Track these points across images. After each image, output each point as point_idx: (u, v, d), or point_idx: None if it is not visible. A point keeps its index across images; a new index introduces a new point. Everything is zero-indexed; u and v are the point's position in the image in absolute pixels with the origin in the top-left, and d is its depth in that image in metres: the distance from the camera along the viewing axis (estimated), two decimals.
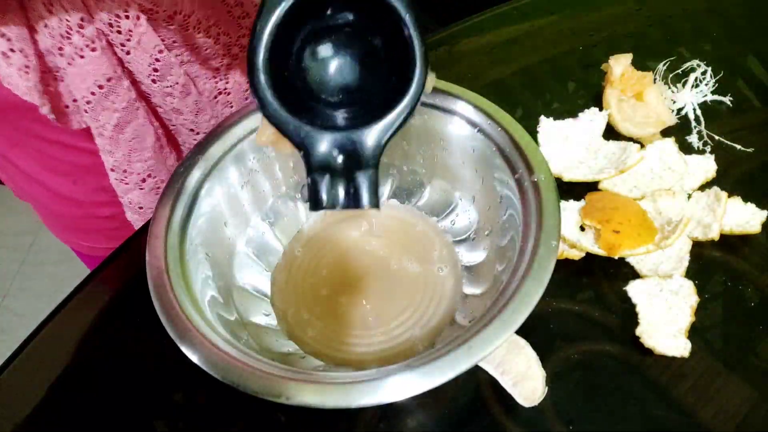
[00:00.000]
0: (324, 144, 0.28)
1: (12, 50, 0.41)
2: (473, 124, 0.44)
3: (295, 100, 0.29)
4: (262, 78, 0.27)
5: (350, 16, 0.28)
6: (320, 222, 0.51)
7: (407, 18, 0.27)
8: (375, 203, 0.29)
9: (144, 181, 0.53)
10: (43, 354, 0.47)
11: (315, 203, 0.29)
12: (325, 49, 0.29)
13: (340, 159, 0.28)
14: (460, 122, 0.45)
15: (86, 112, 0.46)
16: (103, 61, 0.44)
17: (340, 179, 0.29)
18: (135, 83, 0.48)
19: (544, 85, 0.64)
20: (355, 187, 0.29)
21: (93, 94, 0.45)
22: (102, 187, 0.55)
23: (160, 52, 0.47)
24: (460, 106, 0.44)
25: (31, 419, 0.44)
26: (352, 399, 0.31)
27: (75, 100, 0.46)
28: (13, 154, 0.54)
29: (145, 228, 0.42)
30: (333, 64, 0.29)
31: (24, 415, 0.44)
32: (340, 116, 0.29)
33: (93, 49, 0.43)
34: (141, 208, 0.55)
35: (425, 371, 0.31)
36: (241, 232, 0.48)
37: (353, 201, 0.29)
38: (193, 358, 0.33)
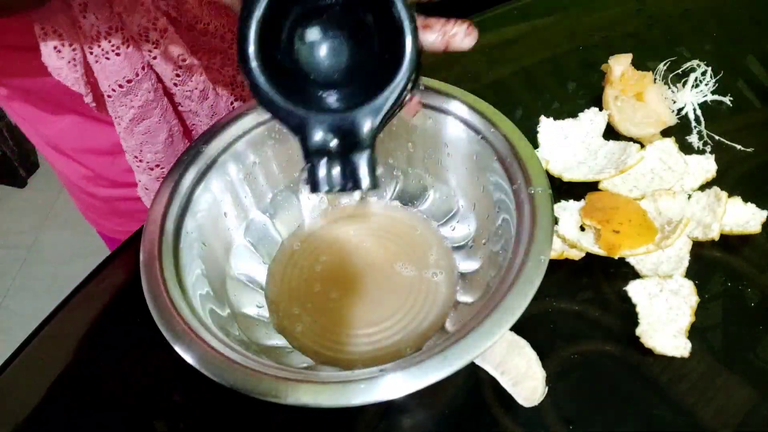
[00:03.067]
0: (319, 127, 0.28)
1: (63, 45, 0.45)
2: (476, 131, 0.44)
3: (289, 85, 0.28)
4: (254, 64, 0.27)
5: None
6: (322, 219, 0.51)
7: None
8: (373, 183, 0.29)
9: (152, 169, 0.58)
10: (43, 354, 0.47)
11: (313, 186, 0.29)
12: (315, 30, 0.29)
13: (335, 142, 0.28)
14: (464, 128, 0.45)
15: (107, 103, 0.51)
16: (125, 65, 0.48)
17: (336, 162, 0.29)
18: (160, 81, 0.53)
19: (544, 85, 0.64)
20: (352, 169, 0.29)
21: (114, 90, 0.50)
22: None
23: (183, 60, 0.51)
24: (465, 112, 0.44)
25: (31, 419, 0.44)
26: (348, 398, 0.31)
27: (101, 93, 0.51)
28: (54, 134, 0.58)
29: None
30: (324, 45, 0.29)
31: (24, 415, 0.44)
32: (335, 98, 0.29)
33: (117, 54, 0.48)
34: (147, 189, 0.60)
35: (421, 370, 0.31)
36: (240, 223, 0.48)
37: (351, 182, 0.29)
38: (189, 359, 0.33)
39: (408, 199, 0.51)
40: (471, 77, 0.66)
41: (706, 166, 0.52)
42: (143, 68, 0.50)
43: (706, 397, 0.41)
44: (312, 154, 0.28)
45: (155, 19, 0.48)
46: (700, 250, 0.48)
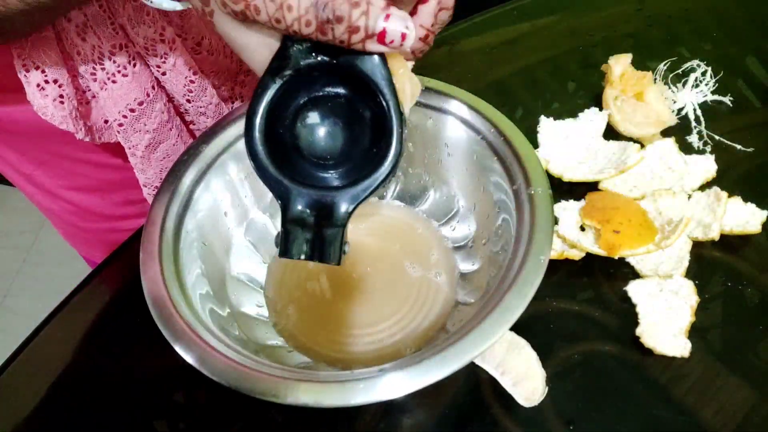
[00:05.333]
0: (300, 200, 0.31)
1: (47, 81, 0.41)
2: (476, 131, 0.44)
3: (283, 154, 0.31)
4: (257, 137, 0.30)
5: (342, 90, 0.31)
6: None
7: (388, 99, 0.29)
8: (337, 260, 0.31)
9: None
10: (43, 354, 0.47)
11: (284, 251, 0.31)
12: (316, 116, 0.32)
13: (312, 216, 0.31)
14: (464, 128, 0.45)
15: (119, 133, 0.48)
16: (133, 86, 0.45)
17: (309, 233, 0.31)
18: (171, 101, 0.49)
19: (544, 85, 0.64)
20: (321, 243, 0.31)
21: (125, 117, 0.46)
22: (130, 201, 0.56)
23: (195, 73, 0.48)
24: (465, 112, 0.44)
25: (31, 419, 0.44)
26: (346, 398, 0.31)
27: (106, 122, 0.47)
28: (39, 174, 0.54)
29: None
30: (322, 129, 0.32)
31: (24, 415, 0.44)
32: (321, 175, 0.32)
33: (125, 75, 0.44)
34: None
35: (420, 370, 0.31)
36: (240, 222, 0.48)
37: (318, 255, 0.31)
38: (188, 358, 0.33)
39: (409, 198, 0.51)
40: (471, 77, 0.66)
41: (706, 166, 0.52)
42: (153, 87, 0.47)
43: (706, 397, 0.41)
44: (288, 222, 0.31)
45: (162, 30, 0.44)
46: (700, 250, 0.48)
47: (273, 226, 0.50)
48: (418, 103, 0.46)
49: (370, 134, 0.31)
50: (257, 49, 0.28)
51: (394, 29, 0.25)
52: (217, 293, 0.43)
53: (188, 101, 0.49)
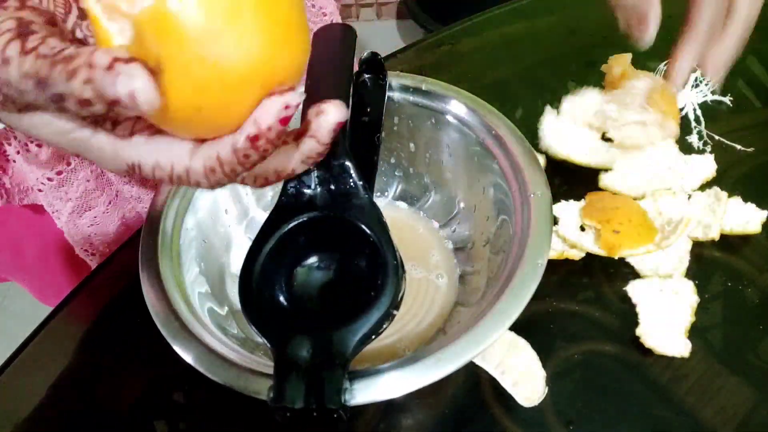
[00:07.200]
0: (295, 343, 0.29)
1: None
2: (476, 132, 0.44)
3: (276, 302, 0.31)
4: (253, 288, 0.30)
5: (335, 237, 0.32)
6: None
7: (382, 242, 0.31)
8: (338, 402, 0.28)
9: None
10: (43, 354, 0.47)
11: (278, 398, 0.28)
12: (311, 264, 0.32)
13: (308, 358, 0.29)
14: (465, 129, 0.45)
15: (39, 198, 0.46)
16: (52, 155, 0.42)
17: (305, 377, 0.29)
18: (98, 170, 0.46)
19: (544, 85, 0.64)
20: (320, 386, 0.28)
21: (43, 184, 0.44)
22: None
23: None
24: (465, 113, 0.44)
25: (31, 419, 0.44)
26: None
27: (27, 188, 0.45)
28: None
29: None
30: (316, 277, 0.32)
31: (24, 415, 0.44)
32: (316, 318, 0.31)
33: (39, 145, 0.41)
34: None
35: (414, 372, 0.31)
36: (241, 220, 0.48)
37: (315, 399, 0.28)
38: (187, 358, 0.33)
39: (409, 199, 0.51)
40: (471, 77, 0.66)
41: (706, 166, 0.52)
42: (78, 155, 0.43)
43: (706, 397, 0.41)
44: (283, 366, 0.29)
45: None
46: (700, 250, 0.48)
47: None
48: (419, 104, 0.46)
49: (367, 274, 0.31)
50: None
51: (123, 92, 0.19)
52: (216, 291, 0.43)
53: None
